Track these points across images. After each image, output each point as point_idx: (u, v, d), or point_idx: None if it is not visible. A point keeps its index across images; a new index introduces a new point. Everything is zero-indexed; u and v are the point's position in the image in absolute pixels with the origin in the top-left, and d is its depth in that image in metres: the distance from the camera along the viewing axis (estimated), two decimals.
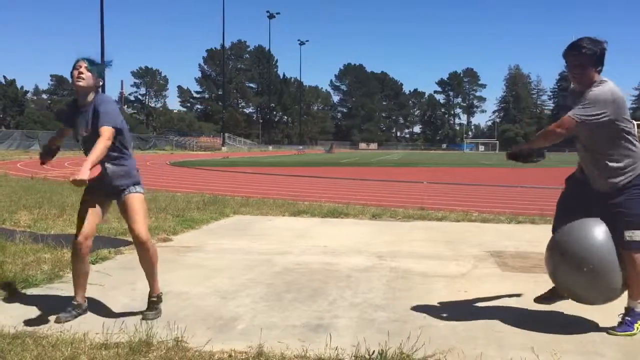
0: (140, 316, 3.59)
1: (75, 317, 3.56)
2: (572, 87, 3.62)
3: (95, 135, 3.45)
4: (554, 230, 3.66)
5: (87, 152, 3.55)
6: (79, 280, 3.69)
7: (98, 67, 3.59)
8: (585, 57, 3.34)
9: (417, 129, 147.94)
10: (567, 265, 3.42)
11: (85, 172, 3.19)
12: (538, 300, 3.78)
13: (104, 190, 3.68)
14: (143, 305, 3.86)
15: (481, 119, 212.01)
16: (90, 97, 3.59)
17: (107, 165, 3.61)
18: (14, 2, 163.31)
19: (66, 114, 3.78)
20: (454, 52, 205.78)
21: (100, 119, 3.46)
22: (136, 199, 3.67)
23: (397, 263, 5.44)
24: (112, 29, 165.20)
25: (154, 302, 3.72)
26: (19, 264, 4.87)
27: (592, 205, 3.51)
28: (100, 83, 3.64)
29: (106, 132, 3.41)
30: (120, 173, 3.66)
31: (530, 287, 4.42)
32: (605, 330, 3.49)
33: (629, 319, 3.45)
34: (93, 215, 3.66)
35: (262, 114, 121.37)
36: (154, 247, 3.73)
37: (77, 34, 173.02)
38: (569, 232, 3.46)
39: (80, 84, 3.52)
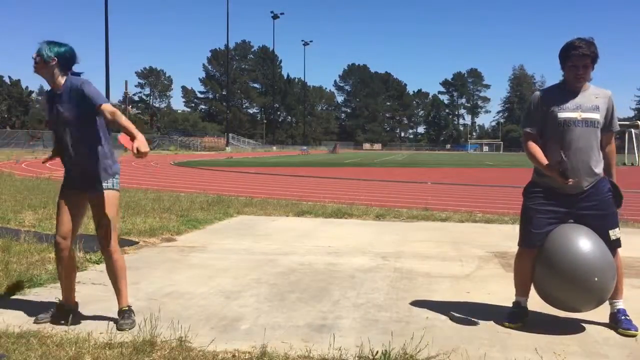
0: (144, 315, 3.59)
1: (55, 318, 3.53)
2: (556, 85, 3.66)
3: (77, 119, 3.42)
4: (533, 248, 3.55)
5: (58, 136, 3.49)
6: (66, 279, 3.64)
7: (48, 47, 3.45)
8: (590, 58, 3.44)
9: (421, 129, 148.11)
10: (575, 283, 3.35)
11: (145, 143, 3.27)
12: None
13: (78, 181, 3.55)
14: (147, 305, 3.88)
15: (485, 120, 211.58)
16: (59, 80, 3.48)
17: (85, 154, 3.50)
18: (18, 2, 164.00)
19: (46, 104, 3.62)
20: (458, 53, 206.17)
21: (93, 99, 3.39)
22: (106, 199, 3.51)
23: (401, 263, 5.43)
24: (116, 29, 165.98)
25: (125, 311, 3.54)
26: (23, 264, 4.89)
27: (562, 212, 3.52)
28: (53, 62, 3.43)
29: (110, 107, 3.38)
30: (92, 163, 3.51)
31: (533, 288, 4.40)
32: (608, 330, 3.49)
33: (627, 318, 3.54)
34: (71, 215, 3.56)
35: (266, 114, 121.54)
36: (121, 258, 3.57)
37: (81, 33, 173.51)
38: (566, 249, 3.38)
39: (34, 70, 3.47)
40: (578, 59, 3.42)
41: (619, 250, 3.58)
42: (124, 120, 3.40)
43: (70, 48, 3.54)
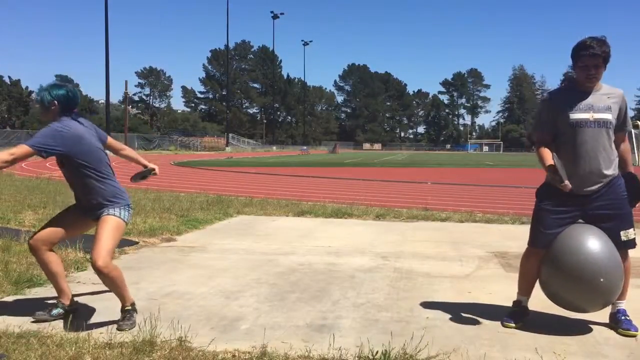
0: (144, 315, 3.59)
1: (53, 317, 3.53)
2: (565, 87, 3.66)
3: (64, 162, 3.45)
4: (542, 248, 3.54)
5: (66, 178, 3.57)
6: (51, 279, 3.65)
7: (47, 91, 3.46)
8: (602, 58, 3.40)
9: (421, 129, 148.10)
10: (581, 283, 3.34)
11: None
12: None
13: (85, 210, 3.59)
14: (147, 305, 3.88)
15: (485, 120, 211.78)
16: None
17: (76, 186, 3.54)
18: (18, 2, 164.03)
19: None
20: (458, 53, 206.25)
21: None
22: (106, 222, 3.46)
23: (401, 263, 5.43)
24: (116, 28, 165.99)
25: (127, 311, 3.51)
26: (23, 264, 4.88)
27: (575, 212, 3.50)
28: (54, 106, 3.44)
29: (17, 148, 3.29)
30: (93, 196, 3.50)
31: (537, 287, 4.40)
32: (608, 330, 3.50)
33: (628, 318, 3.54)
34: (59, 225, 3.58)
35: (266, 114, 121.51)
36: (114, 272, 3.40)
37: (81, 33, 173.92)
38: (574, 249, 3.37)
39: (38, 117, 3.47)
40: (589, 59, 3.38)
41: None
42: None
43: (70, 89, 3.53)
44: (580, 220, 3.52)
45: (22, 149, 3.29)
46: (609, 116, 3.45)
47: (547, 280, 3.54)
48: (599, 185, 3.45)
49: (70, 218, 3.64)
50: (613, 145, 3.51)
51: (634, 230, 3.51)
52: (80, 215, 3.63)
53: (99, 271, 3.34)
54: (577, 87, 3.53)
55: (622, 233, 3.44)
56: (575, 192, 3.44)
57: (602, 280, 3.28)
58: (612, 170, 3.49)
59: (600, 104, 3.46)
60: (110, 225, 3.46)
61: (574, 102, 3.47)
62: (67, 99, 3.48)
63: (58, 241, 3.65)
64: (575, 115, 3.45)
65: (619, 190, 3.49)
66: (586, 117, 3.43)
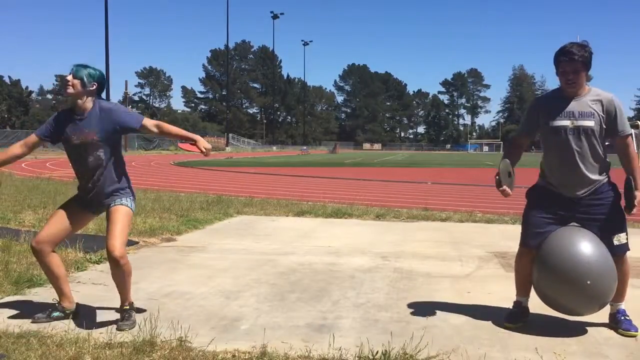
0: (144, 316, 3.59)
1: (53, 319, 3.52)
2: (554, 91, 3.65)
3: (105, 143, 3.46)
4: (532, 247, 3.54)
5: (76, 159, 3.52)
6: (53, 282, 3.63)
7: (88, 71, 3.48)
8: (581, 64, 3.38)
9: (421, 129, 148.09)
10: (567, 285, 3.33)
11: (205, 141, 3.54)
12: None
13: (89, 201, 3.58)
14: (147, 305, 3.88)
15: (485, 120, 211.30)
16: (87, 104, 3.48)
17: (98, 173, 3.50)
18: (18, 2, 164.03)
19: (55, 124, 3.56)
20: (458, 53, 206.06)
21: (131, 123, 3.50)
22: (119, 212, 3.48)
23: (401, 263, 5.43)
24: (116, 29, 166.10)
25: (126, 311, 3.51)
26: (23, 264, 4.89)
27: (562, 214, 3.51)
28: (93, 87, 3.49)
29: (150, 121, 3.54)
30: (110, 184, 3.52)
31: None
32: (608, 331, 3.50)
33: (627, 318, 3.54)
34: (60, 223, 3.57)
35: (266, 114, 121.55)
36: (128, 264, 3.44)
37: (81, 34, 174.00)
38: (561, 250, 3.37)
39: (69, 91, 3.45)
40: (567, 65, 3.37)
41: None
42: (173, 130, 3.60)
43: (103, 73, 3.62)
44: (573, 223, 3.52)
45: (150, 121, 3.57)
46: (590, 123, 3.41)
47: (537, 282, 3.55)
48: (585, 189, 3.46)
49: (70, 214, 3.60)
50: (599, 150, 3.46)
51: (625, 234, 3.49)
52: (80, 210, 3.62)
53: (116, 262, 3.37)
54: (562, 93, 3.53)
55: (614, 237, 3.43)
56: (563, 195, 3.48)
57: (588, 282, 3.26)
58: (598, 175, 3.47)
59: (583, 110, 3.43)
60: (123, 215, 3.49)
61: (557, 108, 3.48)
62: (104, 81, 3.58)
63: (61, 240, 3.65)
64: (555, 122, 3.46)
65: (609, 195, 3.48)
66: (566, 124, 3.43)
